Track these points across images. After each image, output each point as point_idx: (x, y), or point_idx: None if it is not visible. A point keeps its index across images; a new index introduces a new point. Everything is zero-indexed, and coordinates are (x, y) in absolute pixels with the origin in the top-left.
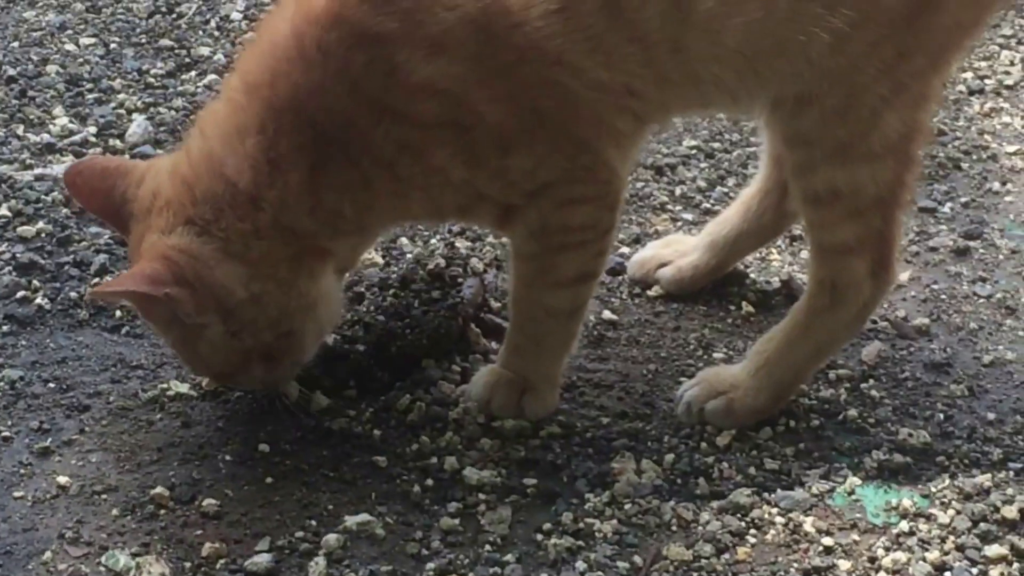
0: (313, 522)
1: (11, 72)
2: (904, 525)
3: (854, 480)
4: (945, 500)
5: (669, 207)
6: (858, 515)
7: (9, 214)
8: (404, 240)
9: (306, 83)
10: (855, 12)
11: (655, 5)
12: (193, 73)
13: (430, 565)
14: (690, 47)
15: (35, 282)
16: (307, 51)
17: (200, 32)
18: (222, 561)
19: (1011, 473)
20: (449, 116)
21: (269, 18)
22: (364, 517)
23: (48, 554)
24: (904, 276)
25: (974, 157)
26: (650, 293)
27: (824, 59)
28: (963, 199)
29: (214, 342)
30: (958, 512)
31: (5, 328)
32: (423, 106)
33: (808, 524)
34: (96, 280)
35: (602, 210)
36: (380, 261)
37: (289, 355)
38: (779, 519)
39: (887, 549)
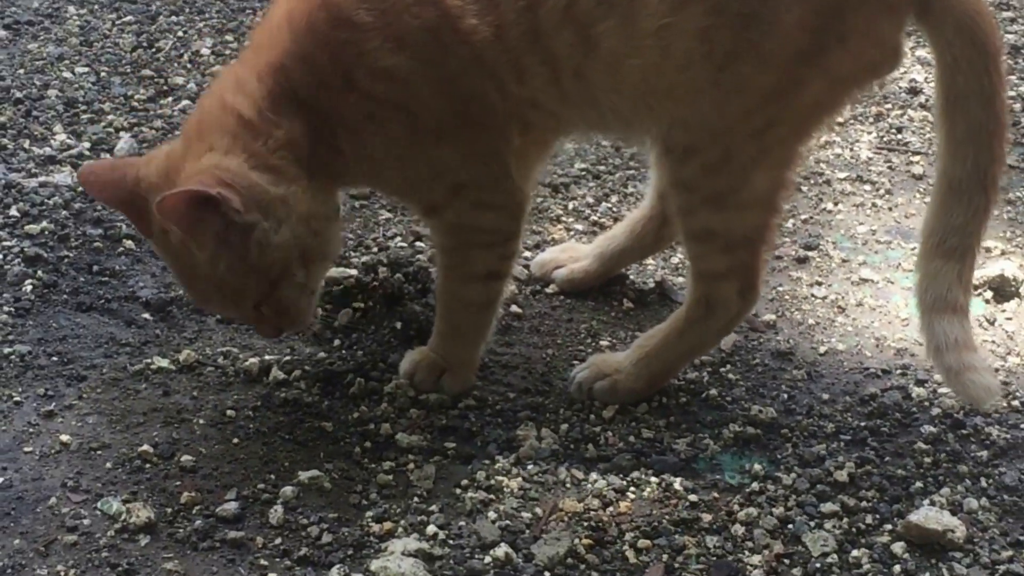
0: (272, 476)
1: (18, 95)
2: (755, 485)
3: (714, 448)
4: (788, 465)
5: (563, 219)
6: (718, 476)
7: (18, 214)
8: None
9: (294, 49)
10: (734, 80)
11: (565, 37)
12: (170, 99)
13: (369, 513)
14: (591, 76)
15: (40, 272)
16: (296, 24)
17: (176, 64)
18: (197, 507)
19: (842, 443)
20: (402, 100)
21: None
22: (314, 472)
23: (53, 500)
24: None
25: (812, 182)
26: (548, 290)
27: (707, 116)
28: (803, 216)
29: (262, 242)
30: (799, 475)
31: (16, 310)
32: (382, 87)
33: (677, 483)
34: (87, 276)
35: (506, 218)
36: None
37: (321, 256)
38: (654, 479)
39: (742, 505)
